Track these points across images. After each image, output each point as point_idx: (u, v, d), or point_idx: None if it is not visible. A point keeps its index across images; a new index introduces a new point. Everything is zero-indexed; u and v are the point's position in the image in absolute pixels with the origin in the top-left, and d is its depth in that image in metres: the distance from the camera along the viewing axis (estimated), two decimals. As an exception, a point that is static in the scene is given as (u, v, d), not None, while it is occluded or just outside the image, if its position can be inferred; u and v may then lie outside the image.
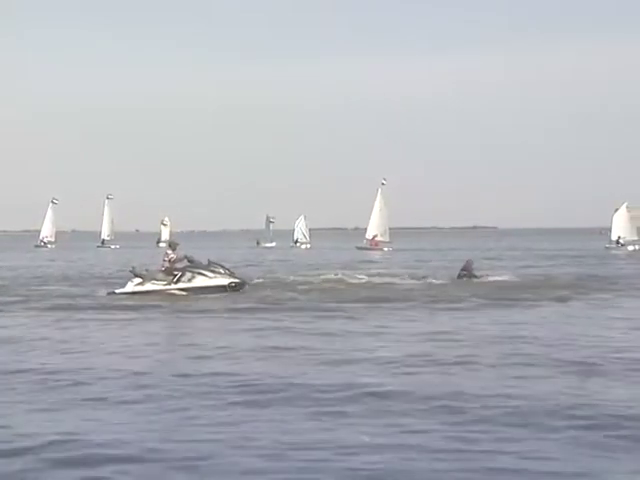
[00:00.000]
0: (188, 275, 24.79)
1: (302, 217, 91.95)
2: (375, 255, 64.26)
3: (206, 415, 9.18)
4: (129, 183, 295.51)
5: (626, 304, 22.21)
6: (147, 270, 25.77)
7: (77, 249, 79.92)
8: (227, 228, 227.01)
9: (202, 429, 8.59)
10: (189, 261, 25.23)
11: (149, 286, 24.52)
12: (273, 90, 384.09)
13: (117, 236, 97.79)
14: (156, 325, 18.37)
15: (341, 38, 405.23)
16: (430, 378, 11.24)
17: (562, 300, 22.53)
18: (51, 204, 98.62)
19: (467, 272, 29.30)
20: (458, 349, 13.76)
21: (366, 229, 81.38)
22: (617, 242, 74.03)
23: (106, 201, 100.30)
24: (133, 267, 26.48)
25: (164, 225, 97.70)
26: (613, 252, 65.03)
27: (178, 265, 24.99)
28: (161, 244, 78.79)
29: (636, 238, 75.10)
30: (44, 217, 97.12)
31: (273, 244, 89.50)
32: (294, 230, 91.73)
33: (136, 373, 11.70)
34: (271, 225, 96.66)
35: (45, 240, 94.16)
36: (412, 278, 29.98)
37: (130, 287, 24.60)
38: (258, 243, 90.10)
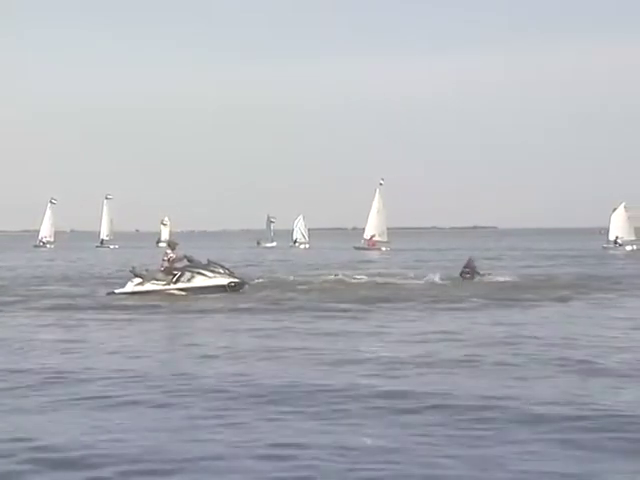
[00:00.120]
0: (187, 275, 24.75)
1: (301, 217, 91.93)
2: (373, 255, 64.28)
3: (207, 415, 9.14)
4: (129, 183, 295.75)
5: (628, 304, 22.20)
6: (147, 270, 25.73)
7: (76, 249, 79.86)
8: (227, 228, 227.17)
9: (203, 430, 8.55)
10: (189, 261, 25.20)
11: (149, 286, 24.48)
12: (273, 90, 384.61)
13: (117, 236, 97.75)
14: (156, 325, 18.32)
15: (341, 38, 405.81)
16: (431, 379, 11.20)
17: (563, 300, 22.51)
18: (50, 204, 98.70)
19: (470, 269, 29.06)
20: (459, 349, 13.73)
21: (364, 229, 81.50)
22: (615, 242, 74.07)
23: (105, 201, 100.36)
24: (133, 267, 26.45)
25: (164, 225, 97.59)
26: (611, 252, 65.02)
27: (178, 265, 24.95)
28: (161, 244, 78.66)
29: (634, 238, 75.10)
30: (43, 217, 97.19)
31: (274, 244, 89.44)
32: (293, 230, 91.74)
33: (136, 373, 11.66)
34: (272, 225, 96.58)
35: (44, 240, 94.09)
36: (412, 278, 29.91)
37: (130, 287, 24.56)
38: (259, 243, 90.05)
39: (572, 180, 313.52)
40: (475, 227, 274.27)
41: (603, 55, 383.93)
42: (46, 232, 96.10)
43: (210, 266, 25.39)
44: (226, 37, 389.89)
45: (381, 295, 23.91)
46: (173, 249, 25.41)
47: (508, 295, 23.61)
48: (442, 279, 28.75)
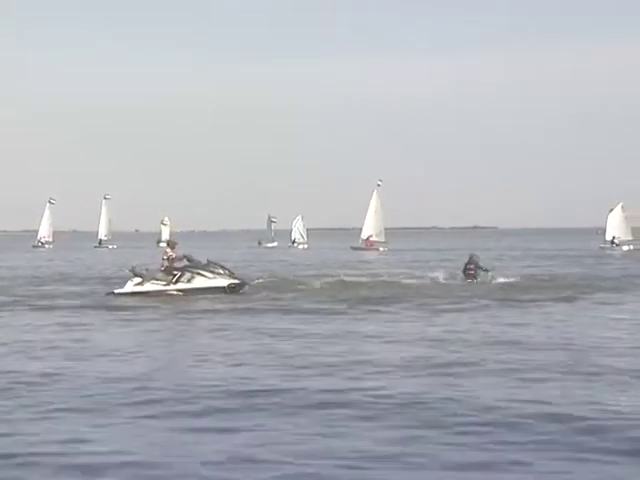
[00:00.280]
0: (187, 275, 24.66)
1: (299, 217, 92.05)
2: (370, 255, 64.32)
3: (208, 419, 9.05)
4: (129, 183, 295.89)
5: (632, 304, 22.15)
6: (147, 270, 25.62)
7: (75, 249, 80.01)
8: (227, 228, 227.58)
9: (204, 433, 8.46)
10: (188, 260, 25.12)
11: (148, 286, 24.39)
12: (273, 90, 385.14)
13: (116, 236, 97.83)
14: (156, 325, 18.23)
15: (341, 38, 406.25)
16: (432, 380, 11.12)
17: (566, 300, 22.46)
18: (48, 204, 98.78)
19: (473, 266, 28.77)
20: (461, 351, 13.64)
21: (361, 229, 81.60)
22: (612, 242, 74.19)
23: (103, 201, 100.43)
24: (133, 267, 26.35)
25: (164, 225, 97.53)
26: (608, 252, 65.13)
27: (177, 264, 24.86)
28: (161, 244, 78.65)
29: (631, 238, 75.24)
30: (42, 217, 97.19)
31: (275, 244, 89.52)
32: (291, 230, 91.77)
33: (136, 374, 11.60)
34: (273, 225, 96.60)
35: (43, 240, 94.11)
36: (412, 278, 29.79)
37: (129, 287, 24.48)
38: (260, 243, 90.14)
39: (572, 180, 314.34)
40: (475, 227, 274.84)
41: (603, 55, 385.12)
42: (45, 232, 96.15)
43: (210, 266, 25.30)
44: (226, 37, 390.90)
45: (382, 295, 23.87)
46: (172, 248, 25.34)
47: (510, 295, 23.55)
48: (446, 278, 28.68)
